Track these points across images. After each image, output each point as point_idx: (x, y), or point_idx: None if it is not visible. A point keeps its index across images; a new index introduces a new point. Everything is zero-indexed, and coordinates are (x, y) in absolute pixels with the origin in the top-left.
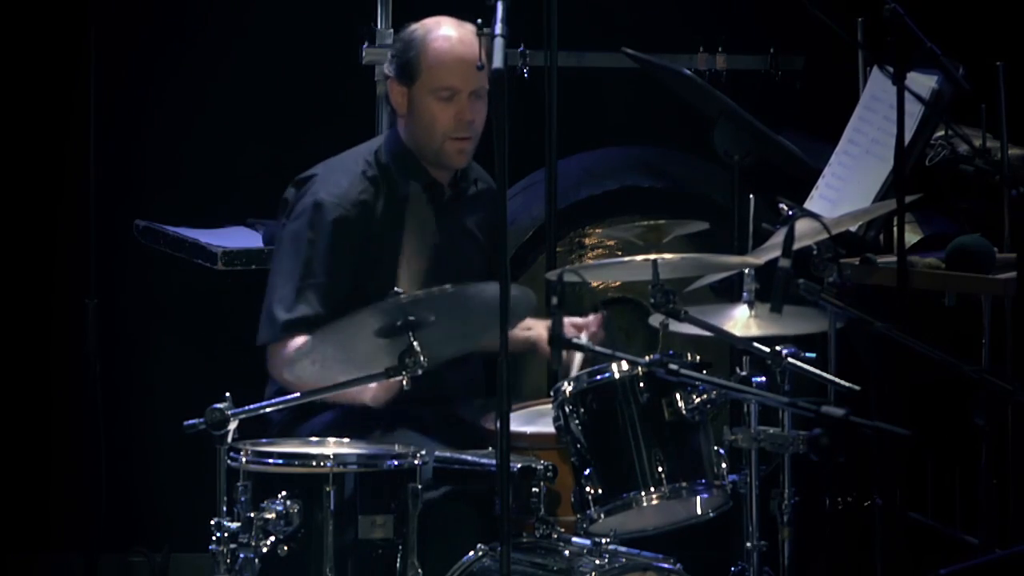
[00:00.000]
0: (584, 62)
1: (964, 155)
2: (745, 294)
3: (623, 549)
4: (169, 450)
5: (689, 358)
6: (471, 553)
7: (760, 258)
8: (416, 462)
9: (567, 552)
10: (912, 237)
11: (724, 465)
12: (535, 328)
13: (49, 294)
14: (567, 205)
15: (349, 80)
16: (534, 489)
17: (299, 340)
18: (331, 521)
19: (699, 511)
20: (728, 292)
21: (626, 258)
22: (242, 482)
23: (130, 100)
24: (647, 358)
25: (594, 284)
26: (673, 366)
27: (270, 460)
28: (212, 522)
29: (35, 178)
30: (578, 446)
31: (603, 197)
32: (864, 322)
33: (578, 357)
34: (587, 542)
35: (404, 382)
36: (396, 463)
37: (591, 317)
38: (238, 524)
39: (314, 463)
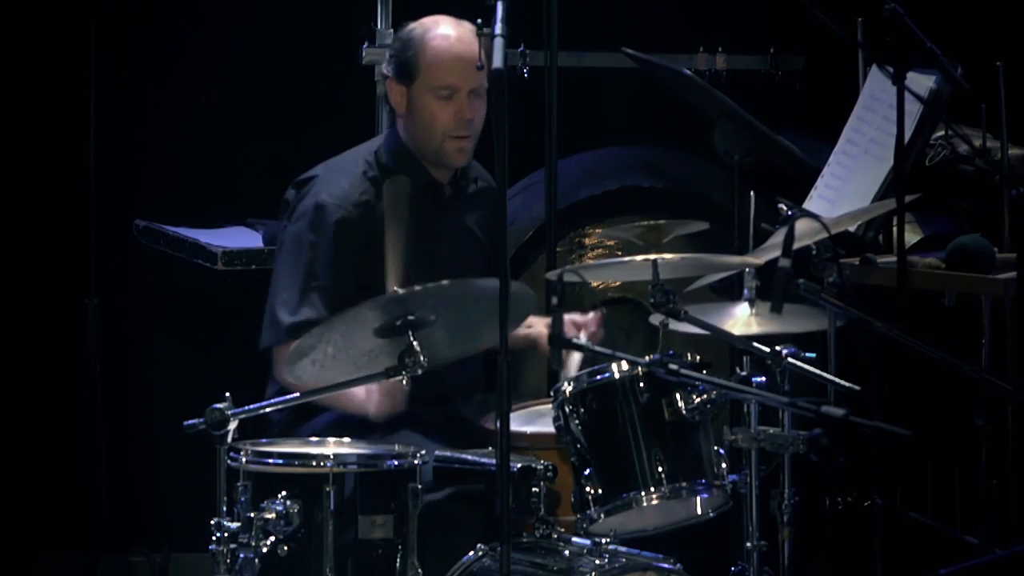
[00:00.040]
0: (584, 62)
1: (964, 155)
2: (746, 291)
3: (623, 549)
4: (169, 450)
5: (689, 358)
6: (471, 553)
7: (760, 258)
8: (416, 462)
9: (567, 552)
10: (912, 237)
11: (724, 465)
12: (535, 325)
13: (49, 294)
14: (567, 205)
15: (349, 80)
16: (534, 489)
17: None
18: (331, 521)
19: (699, 511)
20: (728, 292)
21: (626, 258)
22: (242, 482)
23: (130, 100)
24: (647, 358)
25: (594, 284)
26: (673, 366)
27: (270, 460)
28: (212, 522)
29: (35, 178)
30: (578, 446)
31: (603, 197)
32: (864, 322)
33: (576, 356)
34: (587, 542)
35: (404, 381)
36: (396, 463)
37: (591, 315)
38: (238, 524)
39: (314, 463)
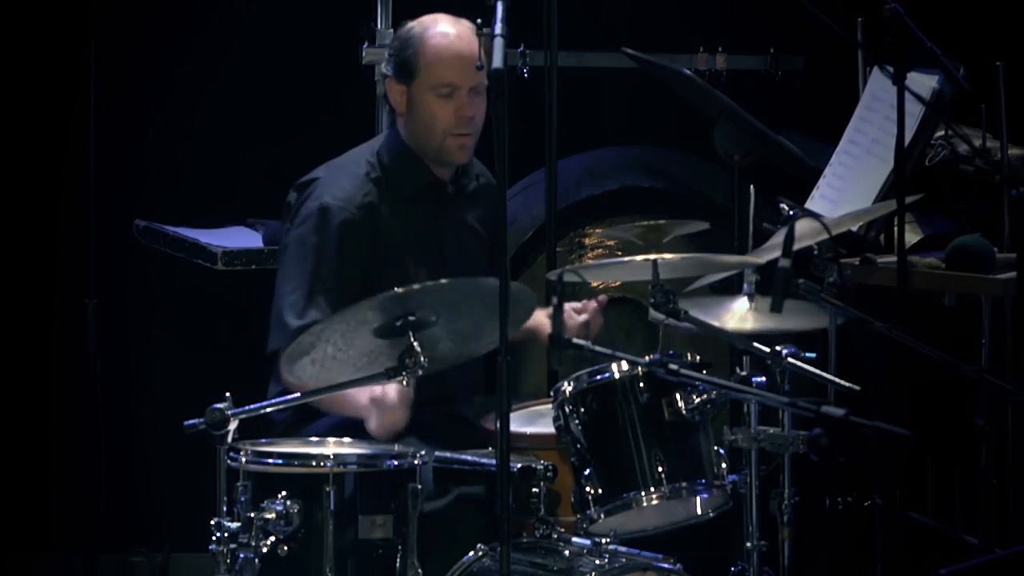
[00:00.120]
0: (584, 62)
1: (964, 155)
2: (745, 286)
3: (623, 549)
4: (169, 450)
5: (689, 358)
6: (471, 553)
7: (760, 258)
8: (416, 462)
9: (567, 552)
10: (912, 237)
11: (724, 465)
12: (535, 316)
13: (49, 294)
14: (567, 205)
15: (349, 80)
16: (534, 489)
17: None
18: (331, 521)
19: (699, 511)
20: (728, 292)
21: (626, 258)
22: (242, 482)
23: (130, 100)
24: (647, 358)
25: (594, 284)
26: (673, 366)
27: (270, 460)
28: (212, 522)
29: (35, 178)
30: (578, 446)
31: (603, 197)
32: (864, 322)
33: (580, 318)
34: (587, 542)
35: (405, 382)
36: (396, 463)
37: (591, 301)
38: (238, 524)
39: (314, 463)
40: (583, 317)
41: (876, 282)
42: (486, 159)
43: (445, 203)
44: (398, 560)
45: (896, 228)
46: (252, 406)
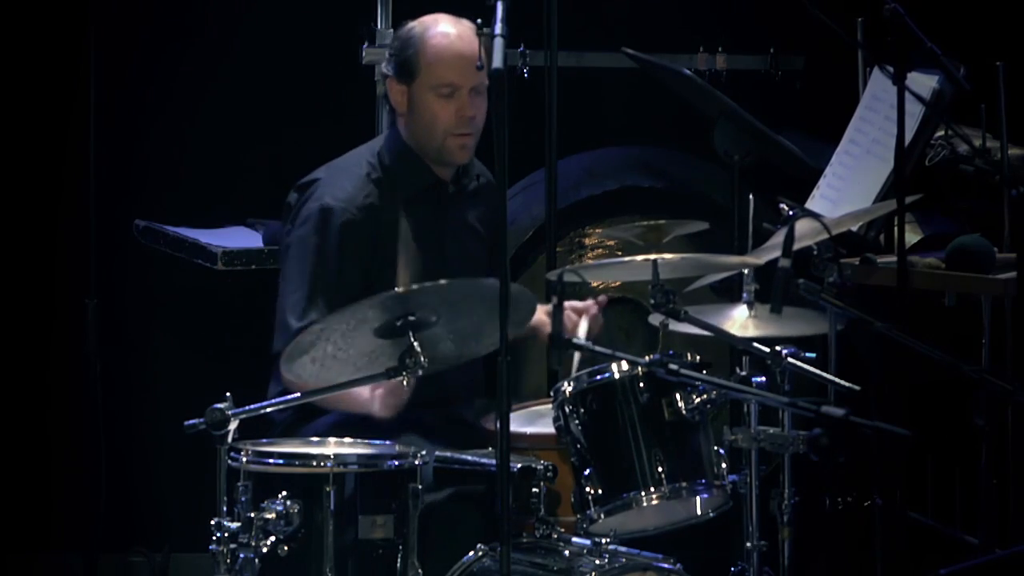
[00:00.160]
0: (584, 62)
1: (964, 155)
2: (745, 294)
3: (623, 549)
4: (169, 450)
5: (689, 358)
6: (471, 553)
7: (760, 258)
8: (416, 462)
9: (567, 552)
10: (912, 237)
11: (724, 465)
12: (536, 314)
13: (49, 294)
14: (567, 205)
15: (349, 80)
16: (534, 489)
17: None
18: (331, 521)
19: (699, 511)
20: (728, 292)
21: (626, 258)
22: (242, 482)
23: (130, 100)
24: (647, 358)
25: (594, 284)
26: (673, 366)
27: (270, 460)
28: (212, 522)
29: (35, 178)
30: (578, 446)
31: (603, 197)
32: (864, 322)
33: (577, 355)
34: (587, 542)
35: (404, 382)
36: (396, 463)
37: (591, 301)
38: (238, 524)
39: (314, 463)
40: (583, 323)
41: (876, 282)
42: (486, 159)
43: (446, 203)
44: (398, 560)
45: (896, 228)
46: (252, 406)
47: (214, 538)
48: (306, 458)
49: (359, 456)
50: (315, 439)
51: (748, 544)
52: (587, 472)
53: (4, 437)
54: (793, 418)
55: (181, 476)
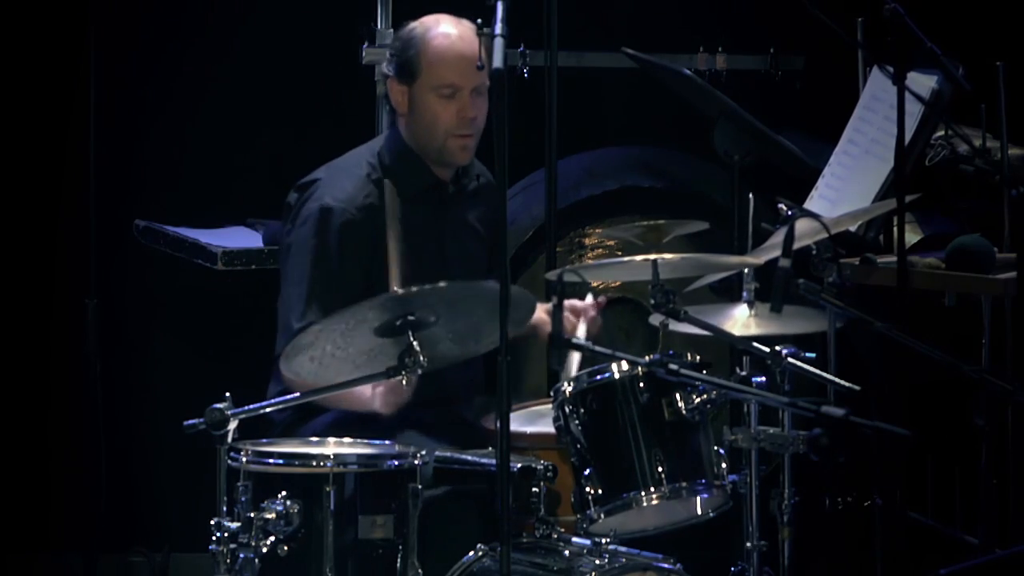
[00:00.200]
0: (584, 62)
1: (964, 155)
2: (745, 293)
3: (623, 549)
4: (169, 450)
5: (689, 358)
6: (471, 553)
7: (760, 258)
8: (416, 462)
9: (567, 552)
10: (912, 237)
11: (724, 465)
12: (536, 312)
13: (49, 294)
14: (567, 205)
15: (349, 80)
16: (534, 489)
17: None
18: (331, 521)
19: (699, 511)
20: (728, 292)
21: (626, 258)
22: (242, 482)
23: (130, 100)
24: (647, 358)
25: (594, 284)
26: (673, 366)
27: (270, 460)
28: (212, 522)
29: (35, 178)
30: (578, 446)
31: (603, 197)
32: (864, 322)
33: (576, 356)
34: (587, 542)
35: (404, 381)
36: (396, 463)
37: (589, 302)
38: (238, 524)
39: (314, 463)
40: (582, 324)
41: (876, 282)
42: (486, 159)
43: (446, 203)
44: (398, 560)
45: (896, 228)
46: (252, 406)
47: (214, 538)
48: (306, 458)
49: (359, 456)
50: (315, 439)
51: (748, 544)
52: (587, 472)
53: (4, 437)
54: (793, 418)
55: (181, 476)
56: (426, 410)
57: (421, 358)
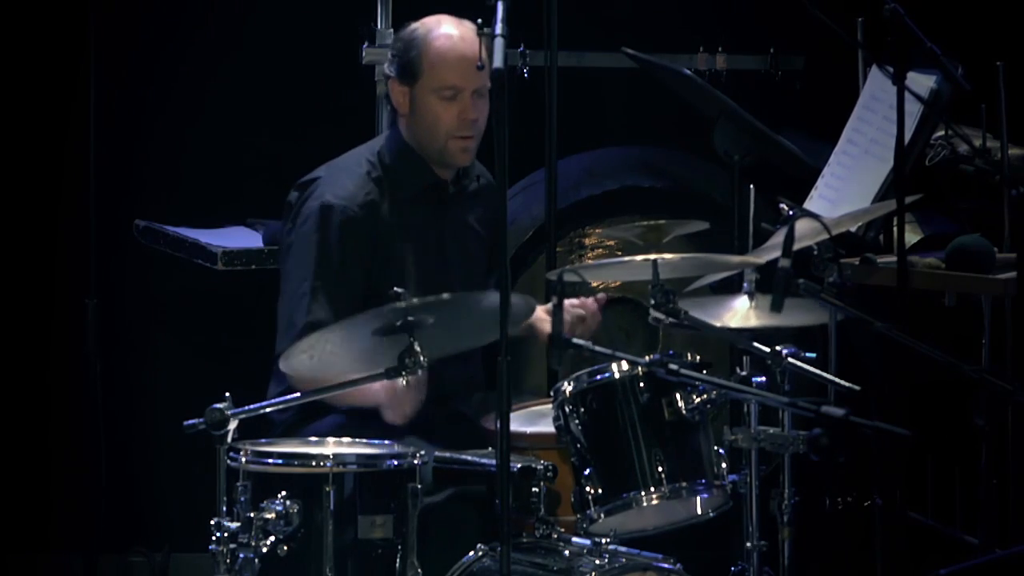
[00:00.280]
0: (584, 62)
1: (964, 155)
2: (745, 284)
3: (623, 549)
4: (169, 450)
5: (689, 358)
6: (471, 553)
7: (760, 258)
8: (416, 462)
9: (567, 552)
10: (912, 237)
11: (724, 465)
12: (535, 312)
13: (49, 294)
14: (567, 205)
15: (349, 80)
16: (534, 489)
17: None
18: (331, 521)
19: (699, 511)
20: (728, 292)
21: (626, 258)
22: (242, 482)
23: (130, 100)
24: (647, 358)
25: (594, 284)
26: (673, 366)
27: (270, 460)
28: (212, 522)
29: (35, 178)
30: (578, 446)
31: (603, 197)
32: (864, 322)
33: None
34: (587, 542)
35: (405, 381)
36: (396, 463)
37: (590, 299)
38: (238, 524)
39: (314, 463)
40: (580, 316)
41: (876, 282)
42: (486, 159)
43: (446, 203)
44: (398, 560)
45: (896, 228)
46: (252, 406)
47: (214, 538)
48: (305, 458)
49: (358, 456)
50: (314, 439)
51: (748, 544)
52: (587, 472)
53: (4, 437)
54: (793, 418)
55: (181, 476)
56: (425, 408)
57: (421, 359)
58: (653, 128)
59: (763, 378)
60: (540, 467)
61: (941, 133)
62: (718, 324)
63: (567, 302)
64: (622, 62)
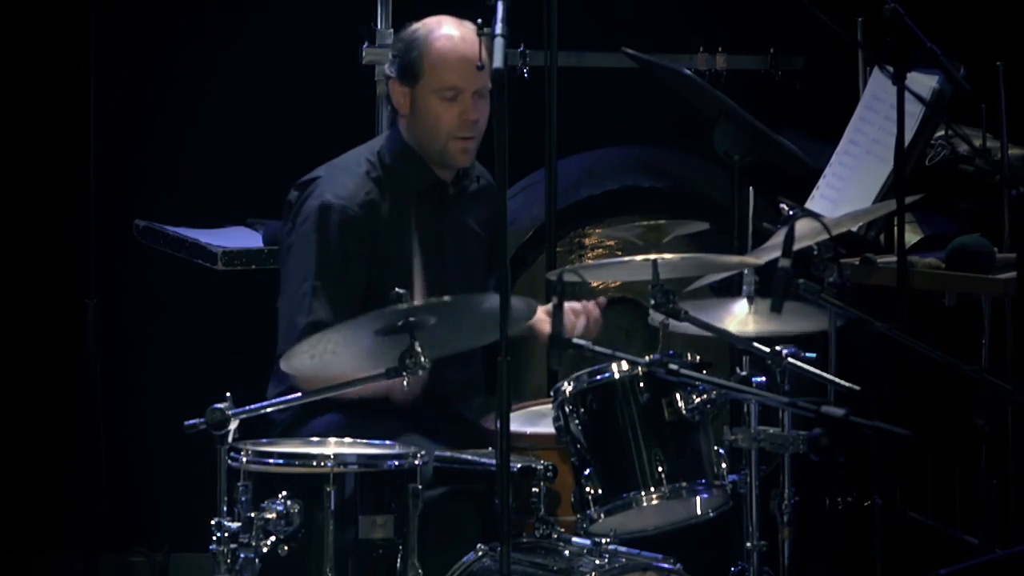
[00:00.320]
0: (584, 62)
1: (964, 155)
2: (745, 288)
3: (623, 549)
4: (169, 450)
5: (689, 358)
6: (471, 553)
7: (760, 258)
8: (416, 462)
9: (567, 552)
10: (912, 237)
11: (724, 465)
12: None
13: (49, 294)
14: (567, 205)
15: (349, 80)
16: (534, 489)
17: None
18: (331, 521)
19: (699, 511)
20: (728, 292)
21: (626, 258)
22: (242, 482)
23: (130, 100)
24: (647, 358)
25: (594, 284)
26: (673, 366)
27: (270, 460)
28: (212, 522)
29: (35, 178)
30: (578, 446)
31: (603, 197)
32: (864, 322)
33: (580, 323)
34: (587, 542)
35: (405, 382)
36: (396, 463)
37: (591, 302)
38: (238, 524)
39: (314, 463)
40: (580, 321)
41: (876, 282)
42: (486, 159)
43: (446, 204)
44: (398, 560)
45: (896, 228)
46: (252, 406)
47: (214, 538)
48: (306, 458)
49: (359, 456)
50: (315, 439)
51: (748, 544)
52: (587, 472)
53: (4, 437)
54: (793, 418)
55: (181, 476)
56: (426, 410)
57: (422, 359)
58: (653, 128)
59: (763, 378)
60: (540, 467)
61: (941, 133)
62: (717, 325)
63: (567, 305)
64: (622, 62)
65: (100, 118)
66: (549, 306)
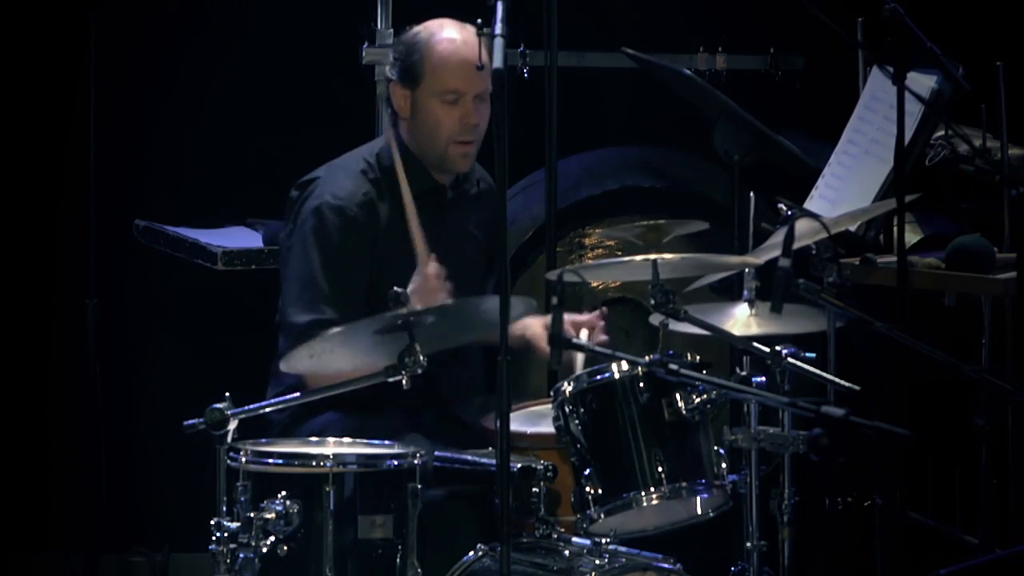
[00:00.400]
0: (584, 62)
1: (964, 155)
2: (745, 292)
3: (623, 549)
4: (169, 450)
5: (689, 358)
6: (471, 553)
7: (760, 258)
8: (416, 462)
9: (567, 552)
10: (912, 237)
11: (724, 465)
12: (532, 326)
13: (49, 294)
14: (567, 205)
15: (349, 80)
16: (534, 489)
17: None
18: (331, 521)
19: (699, 511)
20: (728, 292)
21: (626, 258)
22: (242, 482)
23: (130, 100)
24: (647, 358)
25: (594, 284)
26: (673, 366)
27: (270, 460)
28: (212, 522)
29: (35, 178)
30: (578, 446)
31: (603, 197)
32: (864, 322)
33: (580, 356)
34: (587, 542)
35: (404, 382)
36: (396, 463)
37: (593, 314)
38: (238, 524)
39: (314, 463)
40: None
41: (876, 282)
42: (486, 159)
43: (445, 207)
44: (398, 560)
45: (896, 228)
46: (252, 406)
47: (214, 538)
48: (305, 458)
49: (358, 456)
50: (314, 439)
51: (748, 544)
52: (587, 472)
53: (4, 437)
54: (793, 418)
55: (181, 476)
56: (425, 410)
57: (421, 358)
58: (653, 128)
59: (763, 378)
60: (540, 467)
61: (941, 133)
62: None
63: (571, 319)
64: (622, 62)
65: (100, 118)
66: (547, 319)
